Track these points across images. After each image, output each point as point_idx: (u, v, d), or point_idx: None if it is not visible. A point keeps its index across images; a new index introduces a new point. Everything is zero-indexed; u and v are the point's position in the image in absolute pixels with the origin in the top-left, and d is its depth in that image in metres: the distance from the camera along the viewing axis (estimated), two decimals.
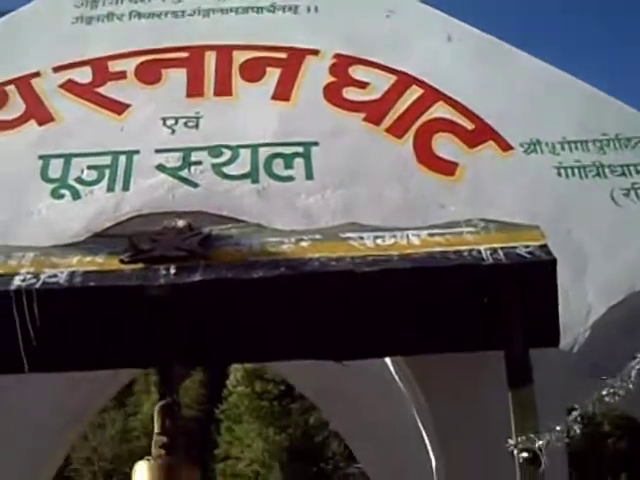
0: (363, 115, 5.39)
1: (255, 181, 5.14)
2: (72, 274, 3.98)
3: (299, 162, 5.18)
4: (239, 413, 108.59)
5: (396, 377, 5.01)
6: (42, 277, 3.95)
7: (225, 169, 5.23)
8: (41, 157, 5.27)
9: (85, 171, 5.23)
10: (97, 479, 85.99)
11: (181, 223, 4.46)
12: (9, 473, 5.36)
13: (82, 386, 5.60)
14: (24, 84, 5.62)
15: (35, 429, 5.43)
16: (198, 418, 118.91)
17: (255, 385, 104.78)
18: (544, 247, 4.00)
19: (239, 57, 5.71)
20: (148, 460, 4.06)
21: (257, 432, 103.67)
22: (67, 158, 5.26)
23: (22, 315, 3.83)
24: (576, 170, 5.17)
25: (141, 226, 4.69)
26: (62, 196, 5.13)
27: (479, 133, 5.28)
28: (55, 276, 3.97)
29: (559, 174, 5.14)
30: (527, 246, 4.00)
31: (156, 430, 4.11)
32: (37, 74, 5.69)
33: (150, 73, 5.75)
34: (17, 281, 3.92)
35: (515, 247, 3.99)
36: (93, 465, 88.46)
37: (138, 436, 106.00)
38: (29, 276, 3.96)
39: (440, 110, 5.39)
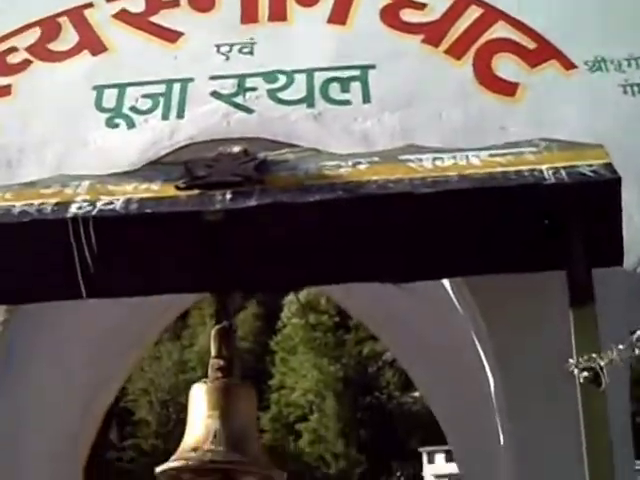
0: (421, 37, 5.24)
1: (311, 105, 5.04)
2: (128, 201, 3.94)
3: (356, 86, 5.05)
4: (293, 344, 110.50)
5: (456, 303, 4.93)
6: (98, 205, 3.91)
7: (280, 94, 5.15)
8: (95, 87, 5.23)
9: (139, 100, 5.17)
10: (154, 409, 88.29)
11: (236, 149, 4.40)
12: (70, 402, 5.37)
13: (141, 311, 5.60)
14: (77, 15, 5.55)
15: (95, 355, 5.43)
16: (253, 350, 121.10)
17: (309, 317, 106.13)
18: (608, 166, 3.84)
19: None
20: (205, 382, 4.10)
21: (311, 363, 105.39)
22: (121, 88, 5.21)
23: (79, 242, 3.83)
24: None
25: (196, 153, 4.60)
26: (117, 125, 5.09)
27: (541, 52, 5.10)
28: (111, 203, 3.93)
29: (625, 92, 4.94)
30: (590, 165, 3.85)
31: (213, 353, 4.14)
32: (90, 5, 5.61)
33: (203, 0, 5.62)
34: (74, 209, 3.90)
35: (578, 166, 3.85)
36: (150, 395, 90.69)
37: (194, 367, 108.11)
38: (85, 204, 3.93)
39: (500, 30, 5.21)
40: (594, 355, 3.49)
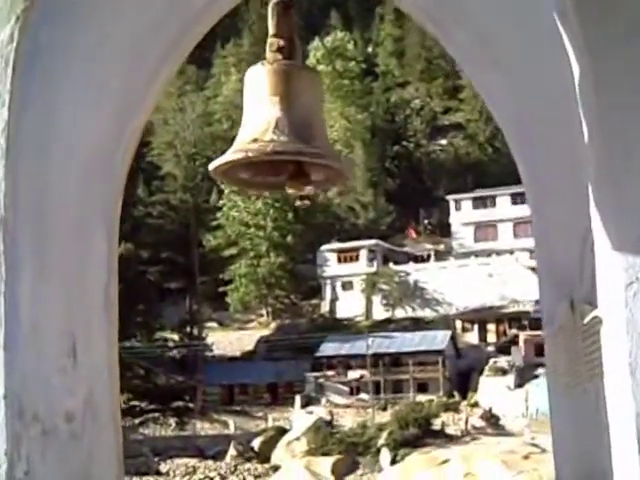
0: None
1: None
2: None
3: None
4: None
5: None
6: None
7: None
8: None
9: None
10: (180, 163, 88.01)
11: None
12: (103, 120, 4.22)
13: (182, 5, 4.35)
14: None
15: (132, 60, 4.19)
16: None
17: (336, 63, 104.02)
18: None
19: None
20: (263, 64, 3.39)
21: (339, 112, 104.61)
22: None
23: None
24: None
25: None
26: None
27: None
28: None
29: None
30: None
31: (271, 32, 3.45)
32: None
33: None
34: None
35: None
36: (175, 149, 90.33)
37: (219, 119, 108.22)
38: None
39: None
40: None
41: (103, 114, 4.30)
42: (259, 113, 3.24)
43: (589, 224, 3.49)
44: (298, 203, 3.47)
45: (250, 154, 3.09)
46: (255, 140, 3.13)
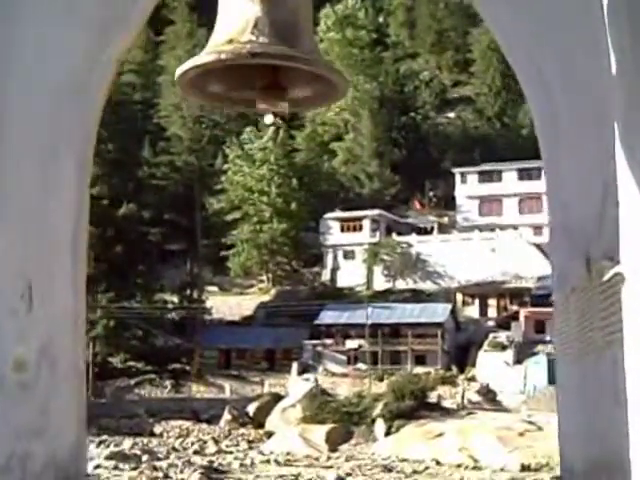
0: None
1: None
2: None
3: None
4: (330, 60, 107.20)
5: None
6: None
7: None
8: None
9: None
10: (186, 124, 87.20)
11: None
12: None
13: None
14: None
15: None
16: None
17: (346, 31, 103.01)
18: None
19: None
20: None
21: None
22: None
23: None
24: None
25: None
26: None
27: None
28: None
29: None
30: None
31: None
32: None
33: None
34: None
35: None
36: (182, 111, 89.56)
37: None
38: None
39: None
40: None
41: (74, 34, 3.87)
42: (236, 10, 2.73)
43: (610, 178, 3.14)
44: (269, 122, 2.94)
45: (223, 56, 2.60)
46: (230, 41, 2.65)
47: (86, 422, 4.54)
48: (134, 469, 36.12)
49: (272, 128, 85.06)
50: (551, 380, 56.66)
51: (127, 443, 48.39)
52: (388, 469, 39.03)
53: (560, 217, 4.05)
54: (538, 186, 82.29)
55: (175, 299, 77.57)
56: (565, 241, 3.86)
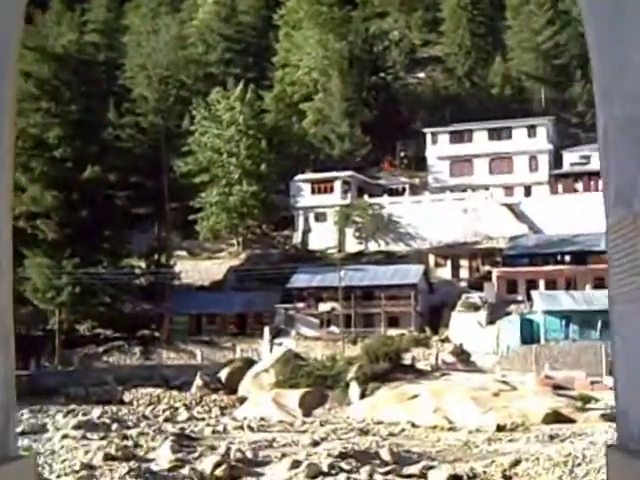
0: None
1: None
2: None
3: None
4: (298, 19, 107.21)
5: None
6: None
7: None
8: None
9: None
10: (152, 85, 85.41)
11: None
12: None
13: None
14: None
15: None
16: (255, 25, 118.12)
17: None
18: None
19: None
20: None
21: (317, 39, 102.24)
22: None
23: None
24: None
25: None
26: None
27: None
28: None
29: None
30: None
31: None
32: None
33: None
34: None
35: None
36: (148, 71, 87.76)
37: (194, 43, 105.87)
38: None
39: None
40: None
41: None
42: None
43: None
44: None
45: None
46: None
47: (14, 398, 3.59)
48: (103, 438, 35.11)
49: (240, 88, 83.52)
50: (524, 340, 56.36)
51: (96, 412, 47.51)
52: (364, 432, 38.36)
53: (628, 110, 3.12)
54: (508, 146, 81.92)
55: (143, 264, 76.28)
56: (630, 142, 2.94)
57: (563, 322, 55.86)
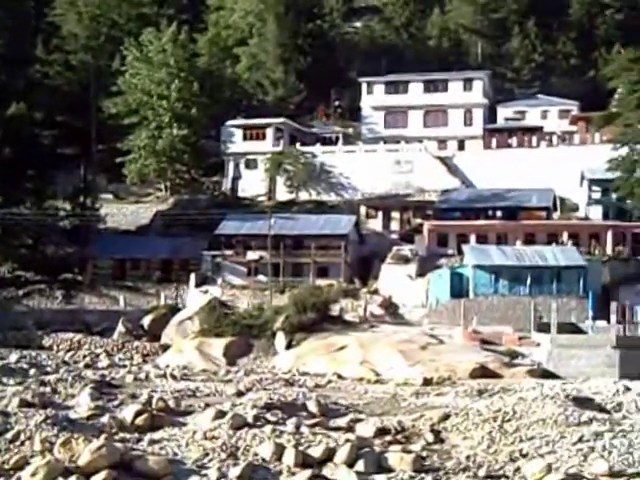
0: None
1: None
2: None
3: None
4: None
5: None
6: None
7: None
8: None
9: None
10: (82, 22, 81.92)
11: None
12: None
13: None
14: None
15: None
16: None
17: None
18: None
19: None
20: None
21: None
22: None
23: None
24: None
25: None
26: None
27: None
28: None
29: None
30: None
31: None
32: None
33: None
34: None
35: None
36: (78, 7, 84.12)
37: None
38: None
39: None
40: None
41: None
42: None
43: None
44: None
45: None
46: None
47: None
48: (19, 384, 33.72)
49: (172, 30, 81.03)
50: (454, 294, 56.14)
51: (13, 356, 46.06)
52: (290, 383, 37.63)
53: None
54: (443, 98, 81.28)
55: (67, 206, 74.12)
56: None
57: (493, 277, 55.74)
